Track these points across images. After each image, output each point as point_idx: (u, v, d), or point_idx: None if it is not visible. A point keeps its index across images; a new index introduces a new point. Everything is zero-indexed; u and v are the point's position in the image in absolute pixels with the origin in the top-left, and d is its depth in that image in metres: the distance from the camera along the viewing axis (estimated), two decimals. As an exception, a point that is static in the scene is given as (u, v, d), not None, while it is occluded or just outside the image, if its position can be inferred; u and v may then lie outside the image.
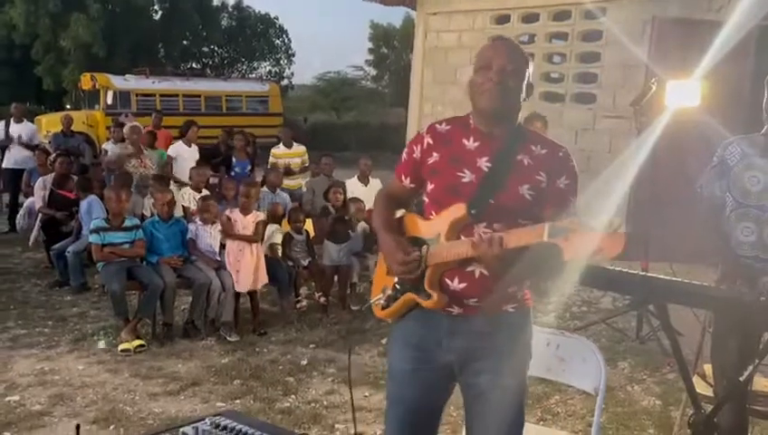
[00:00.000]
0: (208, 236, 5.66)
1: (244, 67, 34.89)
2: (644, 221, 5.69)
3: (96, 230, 5.43)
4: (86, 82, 19.10)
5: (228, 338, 5.29)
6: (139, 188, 7.24)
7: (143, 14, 28.08)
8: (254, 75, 31.62)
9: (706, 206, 3.09)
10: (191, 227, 5.71)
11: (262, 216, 5.94)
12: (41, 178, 7.71)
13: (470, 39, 9.22)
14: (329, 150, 9.58)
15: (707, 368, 3.23)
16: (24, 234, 8.00)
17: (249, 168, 8.66)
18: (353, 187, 7.35)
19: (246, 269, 5.54)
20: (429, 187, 2.20)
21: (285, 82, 33.97)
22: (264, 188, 7.06)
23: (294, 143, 9.05)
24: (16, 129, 9.31)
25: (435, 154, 2.19)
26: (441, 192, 2.16)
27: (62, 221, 7.16)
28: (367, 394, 4.31)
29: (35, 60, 26.26)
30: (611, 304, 6.25)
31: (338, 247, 6.15)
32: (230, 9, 33.71)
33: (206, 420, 2.00)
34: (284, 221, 6.64)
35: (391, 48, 35.38)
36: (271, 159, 8.81)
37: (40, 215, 7.42)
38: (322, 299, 6.06)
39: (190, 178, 7.07)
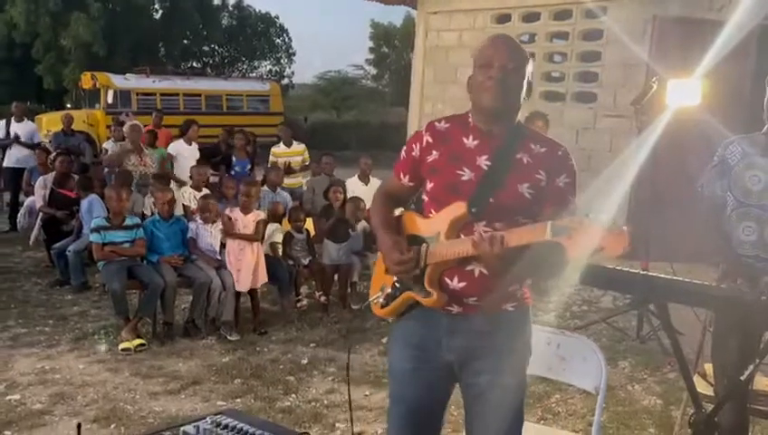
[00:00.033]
0: (209, 236, 5.66)
1: (245, 66, 34.98)
2: (644, 221, 5.68)
3: (97, 229, 5.43)
4: (86, 81, 19.12)
5: (229, 337, 5.29)
6: (139, 186, 7.25)
7: (144, 13, 28.14)
8: (254, 74, 31.65)
9: (707, 205, 3.09)
10: (192, 226, 5.70)
11: (262, 215, 5.93)
12: (41, 178, 7.69)
13: (471, 38, 9.22)
14: (329, 150, 9.59)
15: (708, 367, 3.23)
16: (24, 233, 7.98)
17: (249, 167, 8.66)
18: (353, 186, 7.34)
19: (247, 268, 5.54)
20: (429, 185, 2.20)
21: (286, 81, 34.05)
22: (265, 187, 7.05)
23: (294, 142, 9.05)
24: (17, 127, 9.31)
25: (434, 152, 2.18)
26: (441, 190, 2.15)
27: (62, 220, 7.16)
28: (367, 393, 4.31)
29: (36, 59, 26.31)
30: (612, 303, 6.25)
31: (338, 246, 6.15)
32: (230, 8, 33.81)
33: (207, 418, 2.00)
34: (285, 220, 6.64)
35: (392, 47, 35.42)
36: (271, 158, 8.79)
37: (40, 214, 7.41)
38: (323, 298, 6.06)
39: (190, 176, 7.07)
